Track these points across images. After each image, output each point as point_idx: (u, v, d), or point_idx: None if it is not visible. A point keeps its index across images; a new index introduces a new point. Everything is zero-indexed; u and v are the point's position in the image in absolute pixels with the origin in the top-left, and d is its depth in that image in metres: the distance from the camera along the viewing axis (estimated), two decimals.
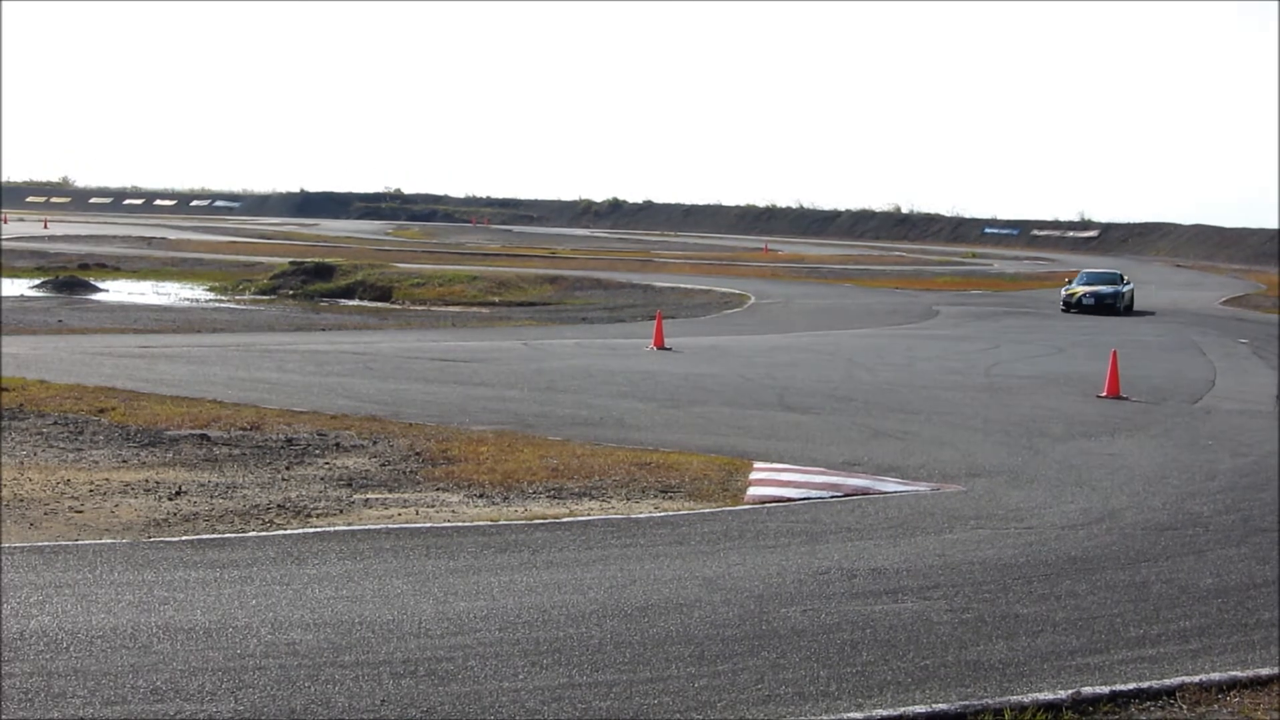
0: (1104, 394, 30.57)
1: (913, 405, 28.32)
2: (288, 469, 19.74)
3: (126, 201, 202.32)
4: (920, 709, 10.52)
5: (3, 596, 12.64)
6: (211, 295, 63.76)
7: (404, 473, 19.62)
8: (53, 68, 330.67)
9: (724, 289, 66.69)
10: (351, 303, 62.63)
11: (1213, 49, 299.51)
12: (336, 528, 16.05)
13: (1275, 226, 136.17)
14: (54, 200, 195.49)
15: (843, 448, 22.69)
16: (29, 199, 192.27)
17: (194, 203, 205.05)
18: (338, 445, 21.59)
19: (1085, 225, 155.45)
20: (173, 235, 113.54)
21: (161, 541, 15.19)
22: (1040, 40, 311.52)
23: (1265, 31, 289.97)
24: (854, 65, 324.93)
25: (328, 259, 76.23)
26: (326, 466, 19.98)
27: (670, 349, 38.51)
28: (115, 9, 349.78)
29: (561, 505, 17.69)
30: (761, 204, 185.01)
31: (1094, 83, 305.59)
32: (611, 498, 18.25)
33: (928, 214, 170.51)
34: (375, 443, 21.86)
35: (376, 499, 17.84)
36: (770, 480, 19.49)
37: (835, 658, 11.62)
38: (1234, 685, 11.41)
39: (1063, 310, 59.33)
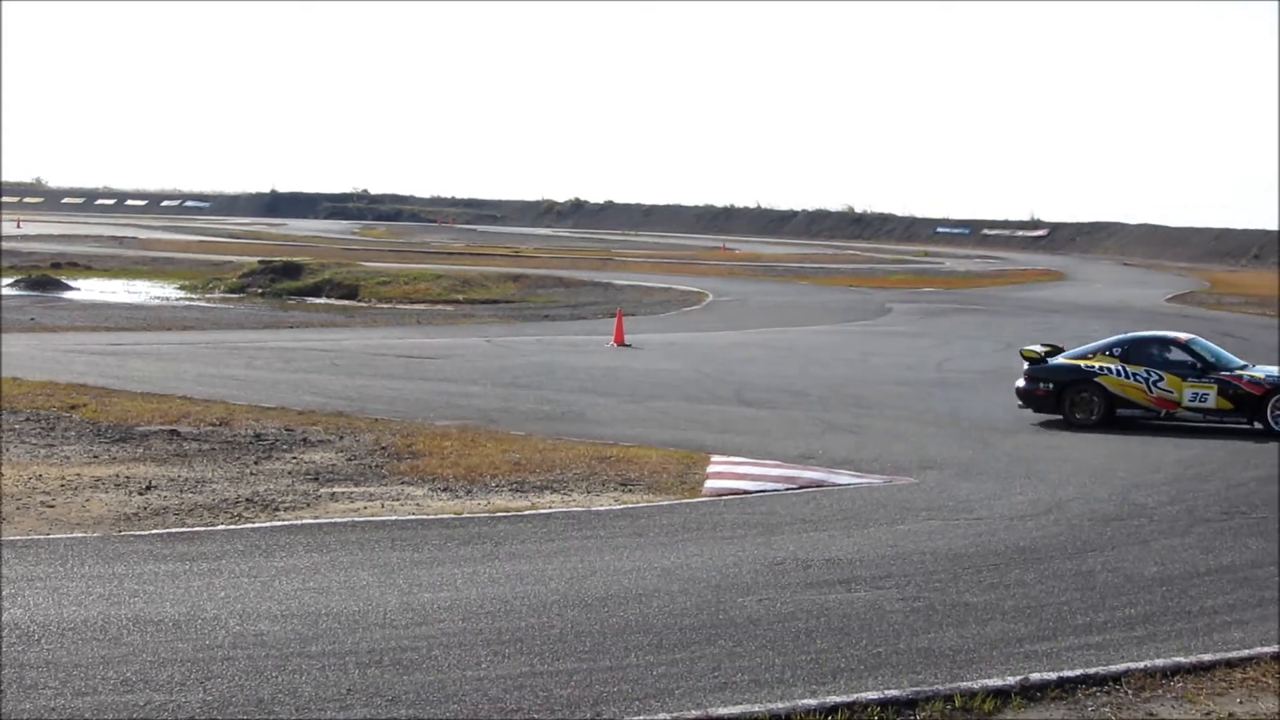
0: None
1: (866, 400, 28.61)
2: (256, 464, 19.92)
3: (98, 202, 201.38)
4: (873, 695, 10.68)
5: None
6: (182, 294, 63.66)
7: (369, 467, 19.82)
8: (24, 70, 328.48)
9: (683, 287, 66.69)
10: (319, 301, 62.51)
11: (1158, 50, 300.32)
12: (303, 521, 16.24)
13: (1218, 226, 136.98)
14: (27, 200, 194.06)
15: (798, 441, 22.94)
16: (2, 199, 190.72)
17: (164, 203, 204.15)
18: (305, 440, 21.78)
19: (1035, 225, 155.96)
20: (144, 235, 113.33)
21: (132, 535, 15.38)
22: (989, 44, 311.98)
23: (1209, 33, 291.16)
24: (810, 69, 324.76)
25: (296, 258, 75.88)
26: (294, 461, 20.17)
27: (630, 345, 38.68)
28: (84, 10, 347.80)
29: (523, 498, 17.89)
30: (720, 204, 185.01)
31: (1043, 86, 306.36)
32: (572, 491, 18.45)
33: (881, 214, 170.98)
34: (342, 438, 22.06)
35: (343, 493, 18.02)
36: (727, 473, 19.72)
37: (790, 646, 11.82)
38: (1177, 671, 11.62)
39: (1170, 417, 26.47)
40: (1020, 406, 26.80)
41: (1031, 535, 16.40)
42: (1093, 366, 26.38)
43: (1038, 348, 27.27)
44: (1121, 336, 27.95)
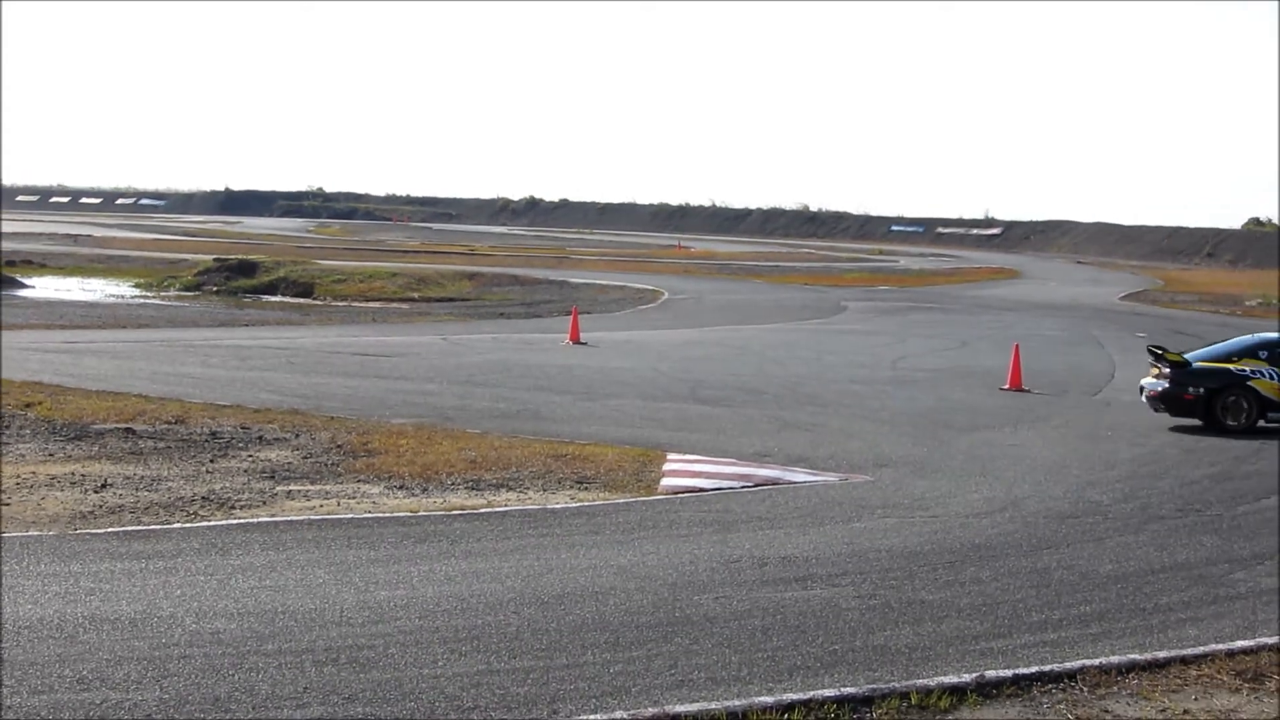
0: (1007, 386, 31.07)
1: (821, 398, 28.69)
2: (212, 462, 19.85)
3: (53, 199, 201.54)
4: (829, 692, 10.70)
5: None
6: (137, 291, 63.52)
7: (325, 465, 19.78)
8: None
9: (638, 285, 66.94)
10: (274, 299, 62.53)
11: (1110, 51, 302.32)
12: (259, 519, 16.19)
13: (1170, 224, 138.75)
14: None
15: (753, 439, 22.99)
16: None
17: (119, 201, 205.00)
18: (261, 438, 21.72)
19: (989, 223, 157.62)
20: (99, 233, 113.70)
21: (88, 533, 15.30)
22: (943, 44, 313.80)
23: (1161, 33, 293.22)
24: (766, 68, 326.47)
25: (251, 256, 75.97)
26: (250, 459, 20.09)
27: (586, 343, 38.72)
28: (35, 9, 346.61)
29: (479, 496, 17.88)
30: (675, 202, 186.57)
31: (997, 86, 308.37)
32: (528, 489, 18.44)
33: (836, 212, 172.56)
34: (297, 436, 21.99)
35: (299, 491, 17.98)
36: (683, 471, 19.76)
37: (747, 643, 11.84)
38: (1132, 668, 11.69)
39: None
40: (1157, 411, 26.34)
41: (987, 533, 16.51)
42: (1244, 370, 25.74)
43: (1161, 350, 26.55)
44: (1258, 338, 27.15)
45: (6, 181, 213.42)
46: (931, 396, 29.55)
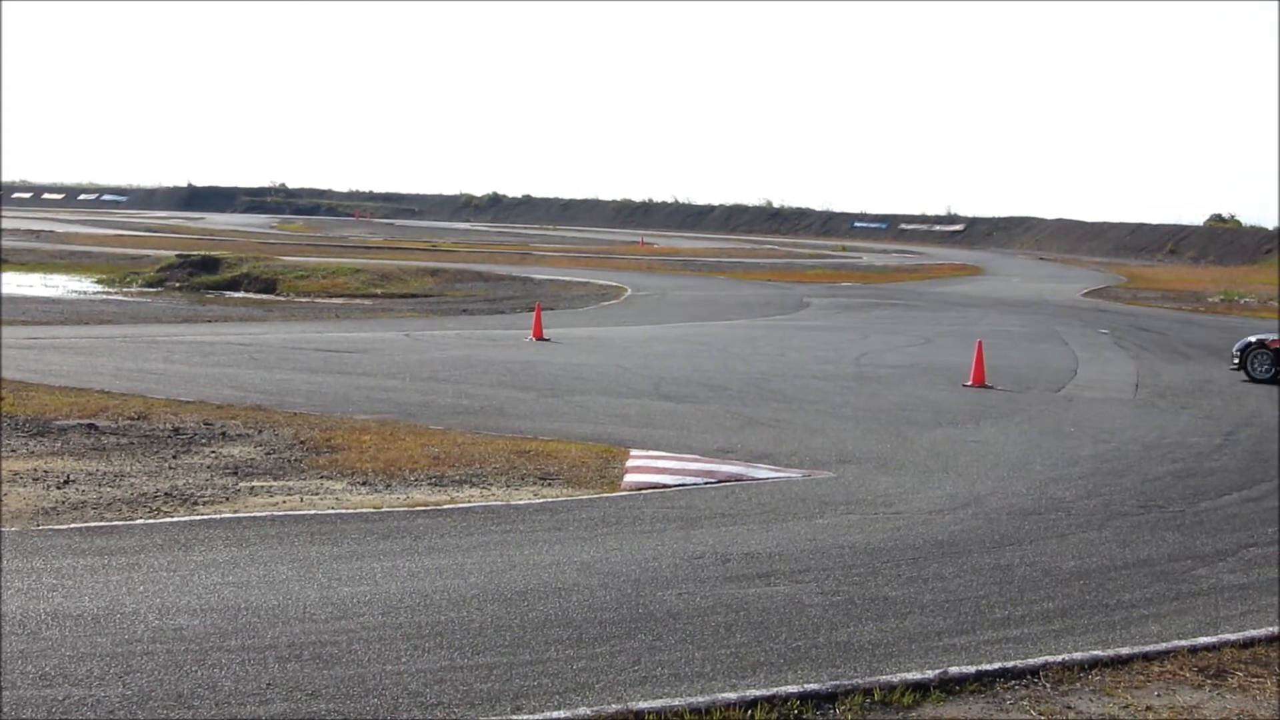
0: (970, 383, 31.09)
1: (785, 394, 28.67)
2: (175, 458, 19.78)
3: (14, 195, 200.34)
4: (793, 689, 10.72)
5: None
6: (99, 287, 63.40)
7: (289, 461, 19.72)
8: None
9: (601, 281, 66.85)
10: (237, 295, 62.40)
11: (1071, 46, 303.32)
12: (223, 515, 16.14)
13: (1133, 221, 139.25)
14: None
15: (717, 435, 22.98)
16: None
17: (81, 196, 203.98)
18: (224, 434, 21.65)
19: (951, 219, 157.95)
20: (60, 228, 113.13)
21: (50, 530, 15.25)
22: (903, 39, 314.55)
23: (1120, 30, 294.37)
24: (727, 63, 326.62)
25: (214, 252, 75.82)
26: (213, 455, 20.03)
27: (549, 340, 38.67)
28: None
29: (443, 492, 17.84)
30: (638, 199, 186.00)
31: (959, 81, 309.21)
32: (492, 485, 18.41)
33: (798, 208, 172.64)
34: (260, 432, 21.93)
35: (262, 487, 17.92)
36: (646, 467, 19.74)
37: (710, 640, 11.85)
38: (1095, 664, 11.74)
39: None
40: None
41: (950, 529, 16.53)
42: None
43: None
44: None
45: None
46: (895, 393, 29.56)
